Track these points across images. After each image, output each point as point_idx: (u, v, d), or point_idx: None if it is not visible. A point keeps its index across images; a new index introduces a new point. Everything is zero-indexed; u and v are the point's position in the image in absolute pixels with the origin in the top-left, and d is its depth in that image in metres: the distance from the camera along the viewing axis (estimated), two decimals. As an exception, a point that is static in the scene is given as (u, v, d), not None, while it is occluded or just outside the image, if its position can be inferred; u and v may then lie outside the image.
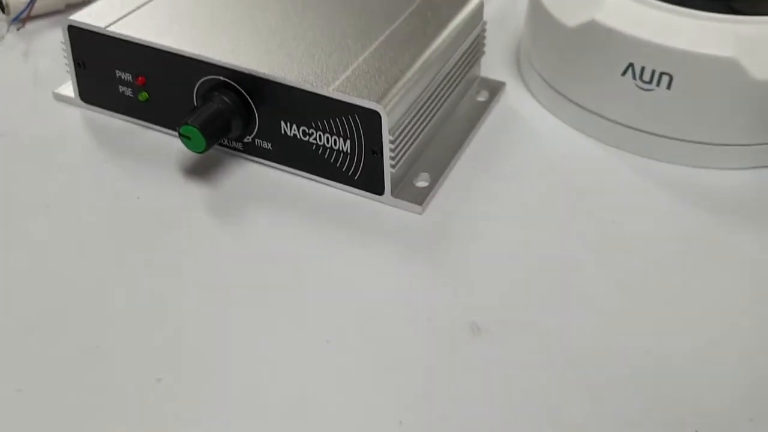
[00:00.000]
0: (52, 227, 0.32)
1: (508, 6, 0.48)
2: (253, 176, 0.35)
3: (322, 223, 0.33)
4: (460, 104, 0.39)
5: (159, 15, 0.36)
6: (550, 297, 0.30)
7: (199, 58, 0.33)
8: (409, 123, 0.33)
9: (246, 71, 0.33)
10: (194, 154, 0.35)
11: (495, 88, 0.41)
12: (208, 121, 0.33)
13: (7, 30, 0.42)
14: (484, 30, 0.39)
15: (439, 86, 0.35)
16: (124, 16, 0.35)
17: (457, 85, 0.38)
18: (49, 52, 0.42)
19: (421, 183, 0.34)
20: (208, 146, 0.33)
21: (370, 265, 0.31)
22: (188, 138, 0.32)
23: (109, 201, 0.33)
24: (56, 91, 0.39)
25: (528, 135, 0.38)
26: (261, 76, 0.32)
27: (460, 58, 0.37)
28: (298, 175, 0.35)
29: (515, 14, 0.47)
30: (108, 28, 0.35)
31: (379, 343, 0.28)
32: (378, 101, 0.31)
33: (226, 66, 0.33)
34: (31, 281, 0.30)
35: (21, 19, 0.42)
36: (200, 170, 0.35)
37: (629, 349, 0.28)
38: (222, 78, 0.33)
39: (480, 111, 0.39)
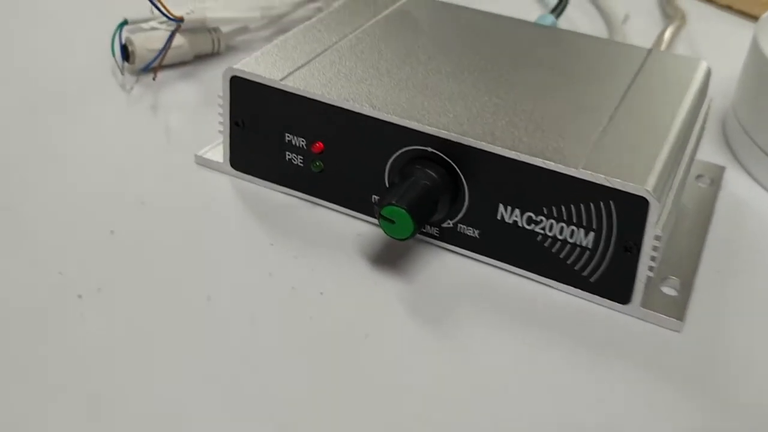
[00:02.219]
0: (214, 335, 0.25)
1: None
2: (453, 270, 0.28)
3: (544, 336, 0.25)
4: (684, 192, 0.32)
5: (340, 68, 0.29)
6: None
7: (404, 125, 0.27)
8: (669, 213, 0.26)
9: (465, 142, 0.26)
10: (375, 238, 0.28)
11: (715, 173, 0.34)
12: (417, 202, 0.26)
13: (136, 81, 0.36)
14: (710, 101, 0.33)
15: (686, 167, 0.29)
16: (300, 67, 0.29)
17: (691, 166, 0.31)
18: (179, 106, 0.36)
19: (669, 289, 0.27)
20: (416, 231, 0.26)
21: (622, 407, 0.23)
22: (391, 222, 0.26)
23: (284, 298, 0.26)
24: (199, 153, 0.32)
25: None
26: (483, 148, 0.26)
27: (698, 134, 0.31)
28: (510, 271, 0.28)
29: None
30: (283, 82, 0.28)
31: None
32: (643, 183, 0.24)
33: (438, 135, 0.26)
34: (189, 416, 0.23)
35: (152, 68, 0.36)
36: (387, 259, 0.28)
37: None
38: (430, 149, 0.27)
39: (708, 200, 0.32)
